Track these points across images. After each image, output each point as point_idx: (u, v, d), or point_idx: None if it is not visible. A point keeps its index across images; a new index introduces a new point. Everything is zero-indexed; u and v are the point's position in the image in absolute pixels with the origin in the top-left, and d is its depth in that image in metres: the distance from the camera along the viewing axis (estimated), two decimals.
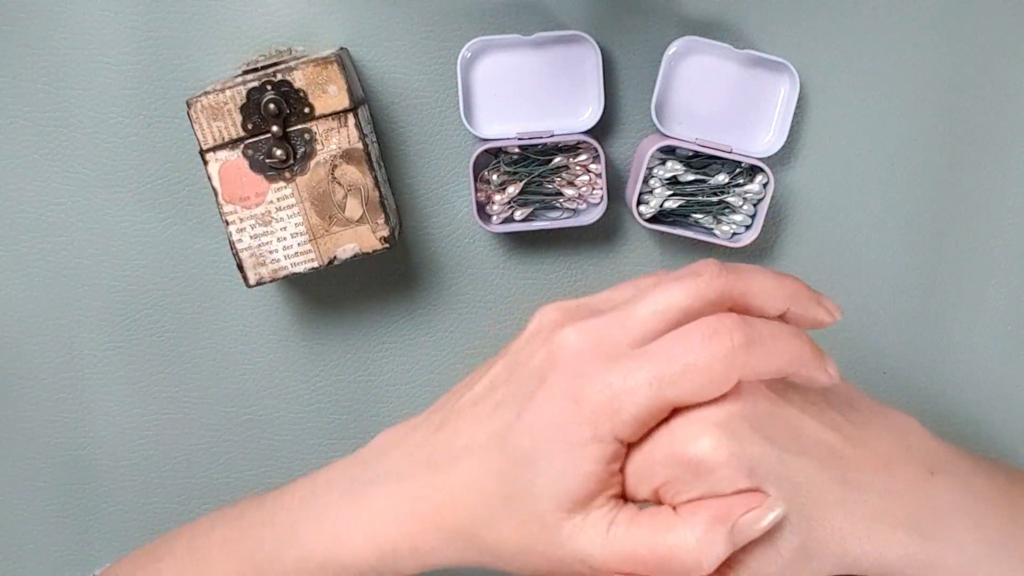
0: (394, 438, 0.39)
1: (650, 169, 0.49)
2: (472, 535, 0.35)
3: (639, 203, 0.49)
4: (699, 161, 0.49)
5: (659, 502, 0.34)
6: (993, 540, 0.38)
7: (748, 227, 0.50)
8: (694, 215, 0.50)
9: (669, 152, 0.49)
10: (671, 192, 0.49)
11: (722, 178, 0.49)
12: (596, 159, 0.49)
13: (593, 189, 0.50)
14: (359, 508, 0.38)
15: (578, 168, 0.50)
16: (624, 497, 0.34)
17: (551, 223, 0.50)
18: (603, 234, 0.52)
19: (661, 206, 0.49)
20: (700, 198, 0.49)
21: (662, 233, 0.52)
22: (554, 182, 0.50)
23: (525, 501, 0.34)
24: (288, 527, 0.40)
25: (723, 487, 0.32)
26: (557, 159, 0.50)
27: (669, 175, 0.49)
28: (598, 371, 0.33)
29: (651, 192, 0.49)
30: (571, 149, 0.50)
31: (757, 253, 0.53)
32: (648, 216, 0.50)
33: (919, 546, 0.36)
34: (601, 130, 0.50)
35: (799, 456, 0.34)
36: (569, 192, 0.50)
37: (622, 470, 0.34)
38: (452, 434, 0.37)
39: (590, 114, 0.49)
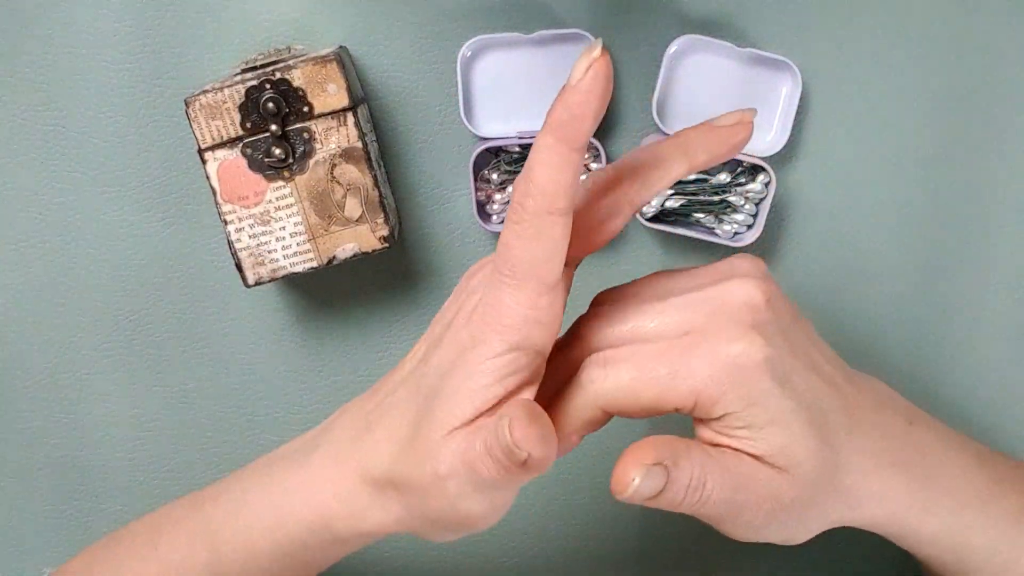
0: (344, 409, 0.40)
1: None
2: (391, 482, 0.35)
3: None
4: None
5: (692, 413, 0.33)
6: (980, 491, 0.38)
7: (750, 226, 0.50)
8: (696, 214, 0.50)
9: None
10: (672, 191, 0.49)
11: (724, 177, 0.49)
12: (597, 158, 0.49)
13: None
14: (302, 472, 0.38)
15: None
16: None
17: None
18: None
19: (662, 206, 0.49)
20: (702, 197, 0.49)
21: (663, 233, 0.51)
22: None
23: (422, 430, 0.33)
24: (239, 497, 0.40)
25: (750, 391, 0.32)
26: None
27: None
28: (495, 298, 0.32)
29: None
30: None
31: (759, 252, 0.52)
32: (649, 216, 0.49)
33: (919, 489, 0.36)
34: (601, 129, 0.50)
35: (816, 375, 0.34)
36: None
37: (530, 383, 0.33)
38: (383, 395, 0.37)
39: None
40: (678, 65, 0.49)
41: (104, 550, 0.45)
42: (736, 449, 0.33)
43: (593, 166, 0.49)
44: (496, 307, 0.32)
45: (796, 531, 0.35)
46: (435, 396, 0.33)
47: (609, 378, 0.33)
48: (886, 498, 0.36)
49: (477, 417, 0.32)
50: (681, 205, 0.49)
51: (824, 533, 0.36)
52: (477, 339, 0.32)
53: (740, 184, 0.49)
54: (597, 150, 0.49)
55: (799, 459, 0.33)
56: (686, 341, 0.33)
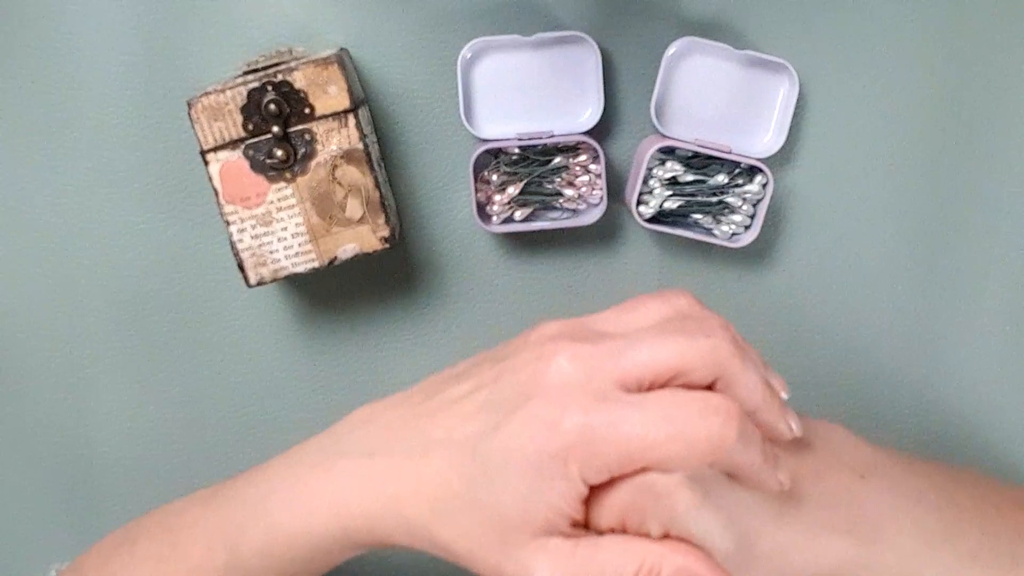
0: (370, 412, 0.39)
1: (650, 169, 0.49)
2: (427, 527, 0.35)
3: (639, 203, 0.49)
4: (699, 161, 0.49)
5: (623, 530, 0.34)
6: (935, 540, 0.38)
7: (747, 227, 0.50)
8: (694, 215, 0.50)
9: (669, 152, 0.49)
10: (671, 192, 0.49)
11: (721, 178, 0.49)
12: (596, 159, 0.49)
13: (593, 189, 0.50)
14: (327, 479, 0.38)
15: (578, 168, 0.50)
16: (585, 525, 0.35)
17: (551, 223, 0.50)
18: (603, 234, 0.53)
19: (661, 206, 0.50)
20: (700, 198, 0.50)
21: (662, 233, 0.52)
22: (554, 182, 0.50)
23: (490, 512, 0.34)
24: (258, 500, 0.40)
25: (669, 516, 0.33)
26: (557, 159, 0.50)
27: (669, 175, 0.49)
28: (582, 408, 0.33)
29: (651, 192, 0.49)
30: (571, 149, 0.50)
31: (756, 253, 0.53)
32: (648, 216, 0.50)
33: (856, 550, 0.37)
34: (601, 130, 0.51)
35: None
36: (569, 192, 0.50)
37: (586, 502, 0.34)
38: (429, 424, 0.37)
39: (590, 115, 0.50)
40: (676, 67, 0.49)
41: (119, 548, 0.44)
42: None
43: (592, 167, 0.50)
44: (598, 444, 0.33)
45: None
46: (499, 478, 0.34)
47: None
48: (822, 563, 0.36)
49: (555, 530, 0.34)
50: (679, 206, 0.50)
51: None
52: (562, 457, 0.33)
53: (738, 185, 0.49)
54: (596, 151, 0.49)
55: (716, 549, 0.34)
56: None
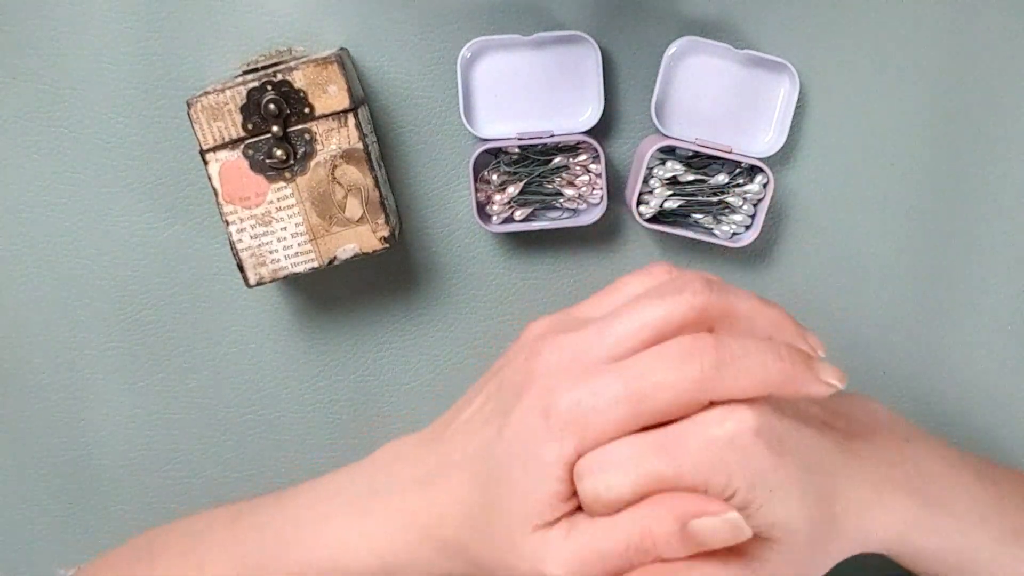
0: (398, 451, 0.40)
1: (650, 169, 0.49)
2: (461, 547, 0.36)
3: (639, 203, 0.49)
4: (699, 161, 0.49)
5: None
6: (985, 511, 0.38)
7: (748, 227, 0.50)
8: (694, 215, 0.50)
9: (669, 152, 0.49)
10: (671, 192, 0.49)
11: (722, 178, 0.49)
12: (596, 159, 0.49)
13: (593, 189, 0.50)
14: (363, 519, 0.39)
15: (578, 168, 0.50)
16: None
17: (551, 223, 0.50)
18: (603, 234, 0.53)
19: (661, 206, 0.49)
20: (700, 198, 0.50)
21: (662, 233, 0.52)
22: (554, 182, 0.50)
23: (500, 516, 0.34)
24: (290, 531, 0.40)
25: (752, 470, 0.32)
26: (557, 159, 0.50)
27: (669, 175, 0.49)
28: (569, 387, 0.33)
29: (651, 192, 0.49)
30: (571, 149, 0.50)
31: (757, 253, 0.53)
32: (648, 216, 0.50)
33: (921, 511, 0.36)
34: (601, 130, 0.51)
35: (805, 425, 0.34)
36: (569, 192, 0.50)
37: None
38: (448, 449, 0.38)
39: (590, 114, 0.49)
40: (677, 66, 0.49)
41: (136, 564, 0.44)
42: None
43: (592, 167, 0.50)
44: (590, 414, 0.33)
45: None
46: (505, 479, 0.34)
47: (612, 489, 0.32)
48: (889, 523, 0.36)
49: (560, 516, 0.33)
50: (680, 206, 0.50)
51: None
52: (557, 438, 0.33)
53: (738, 185, 0.49)
54: (596, 151, 0.49)
55: (794, 528, 0.33)
56: (675, 430, 0.32)
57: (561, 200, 0.50)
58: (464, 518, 0.36)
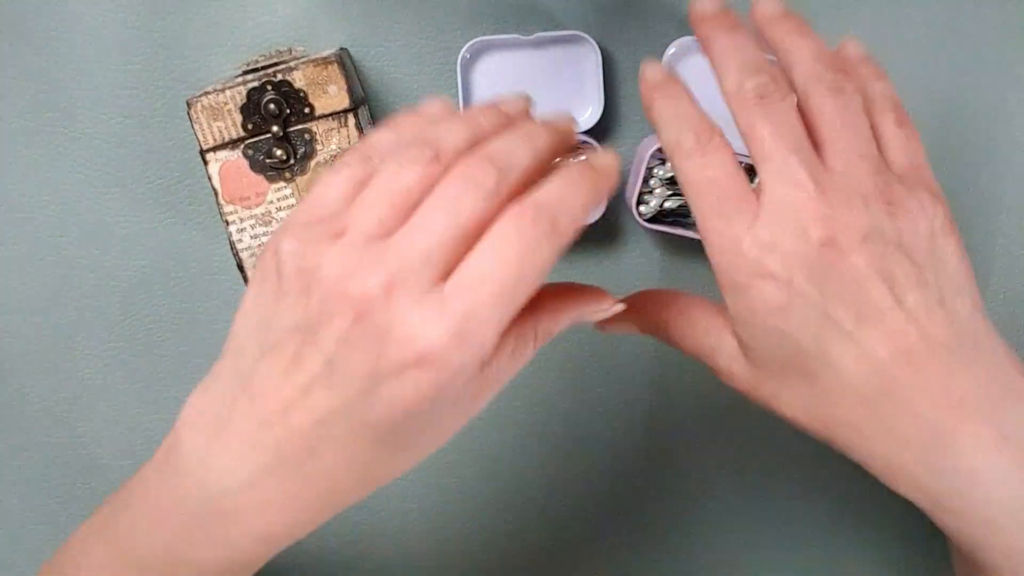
0: (207, 435, 0.34)
1: (650, 169, 0.49)
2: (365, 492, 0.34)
3: (639, 203, 0.49)
4: None
5: None
6: None
7: None
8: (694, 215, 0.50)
9: None
10: (671, 192, 0.49)
11: None
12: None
13: None
14: (227, 526, 0.34)
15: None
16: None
17: None
18: (603, 234, 0.53)
19: (661, 206, 0.49)
20: None
21: (662, 233, 0.52)
22: None
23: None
24: (159, 553, 0.36)
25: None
26: (557, 160, 0.50)
27: (669, 175, 0.49)
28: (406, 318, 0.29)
29: (651, 192, 0.49)
30: (571, 149, 0.50)
31: None
32: (648, 216, 0.50)
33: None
34: (601, 130, 0.50)
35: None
36: None
37: None
38: (291, 420, 0.32)
39: (590, 114, 0.49)
40: (677, 66, 0.49)
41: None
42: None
43: None
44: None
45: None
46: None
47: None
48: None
49: None
50: (679, 205, 0.50)
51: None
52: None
53: None
54: (595, 151, 0.49)
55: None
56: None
57: None
58: (359, 478, 0.33)
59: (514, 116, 0.35)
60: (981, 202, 0.52)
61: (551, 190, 0.32)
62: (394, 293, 0.29)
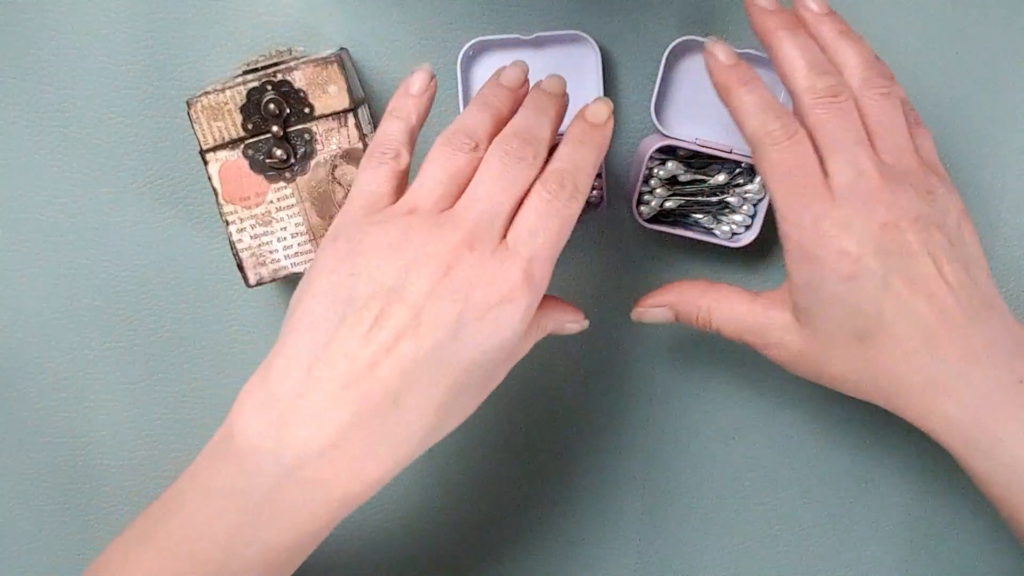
0: (278, 412, 0.37)
1: (650, 169, 0.49)
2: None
3: (639, 203, 0.49)
4: (699, 161, 0.49)
5: None
6: None
7: (748, 227, 0.50)
8: (694, 215, 0.50)
9: (669, 152, 0.49)
10: (671, 192, 0.49)
11: (722, 178, 0.49)
12: None
13: (592, 191, 0.50)
14: (305, 496, 0.37)
15: None
16: None
17: None
18: (603, 234, 0.53)
19: (661, 206, 0.49)
20: (700, 198, 0.50)
21: (662, 233, 0.52)
22: None
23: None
24: (228, 534, 0.38)
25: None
26: None
27: (669, 175, 0.49)
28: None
29: (651, 192, 0.49)
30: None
31: (757, 253, 0.53)
32: (648, 216, 0.50)
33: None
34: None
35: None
36: None
37: None
38: (377, 373, 0.36)
39: None
40: (677, 66, 0.49)
41: None
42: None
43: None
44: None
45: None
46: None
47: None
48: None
49: None
50: (679, 205, 0.50)
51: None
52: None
53: (738, 185, 0.49)
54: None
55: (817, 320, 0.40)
56: None
57: None
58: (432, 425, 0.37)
59: (518, 88, 0.42)
60: (981, 202, 0.52)
61: (565, 157, 0.39)
62: (474, 248, 0.37)
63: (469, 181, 0.39)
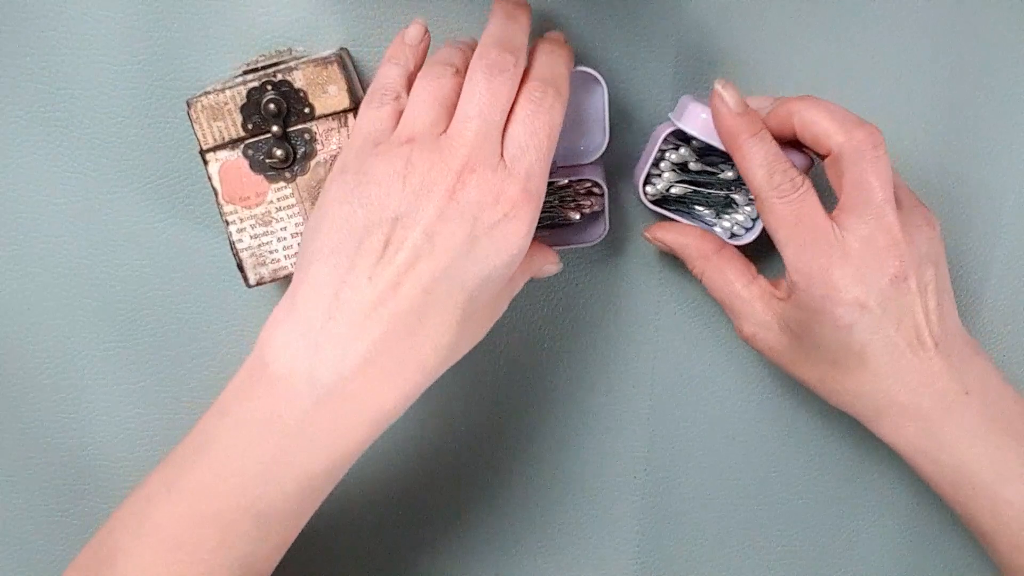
0: (311, 335, 0.39)
1: (663, 151, 0.48)
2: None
3: (646, 183, 0.49)
4: (710, 160, 0.49)
5: None
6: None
7: (748, 228, 0.50)
8: (697, 207, 0.50)
9: (684, 139, 0.49)
10: (679, 179, 0.49)
11: (731, 174, 0.49)
12: (598, 187, 0.49)
13: (592, 204, 0.49)
14: (342, 413, 0.38)
15: (582, 190, 0.49)
16: None
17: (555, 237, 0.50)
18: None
19: (668, 190, 0.49)
20: (706, 191, 0.49)
21: (661, 217, 0.51)
22: (557, 205, 0.49)
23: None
24: (268, 464, 0.39)
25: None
26: (562, 181, 0.49)
27: (681, 160, 0.48)
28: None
29: (660, 175, 0.49)
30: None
31: (756, 254, 0.52)
32: (654, 198, 0.49)
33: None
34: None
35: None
36: (574, 217, 0.49)
37: None
38: (401, 291, 0.38)
39: (596, 148, 0.49)
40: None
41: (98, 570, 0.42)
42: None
43: (595, 190, 0.49)
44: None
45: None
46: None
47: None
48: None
49: None
50: (685, 194, 0.49)
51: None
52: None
53: (744, 184, 0.49)
54: (600, 187, 0.49)
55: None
56: None
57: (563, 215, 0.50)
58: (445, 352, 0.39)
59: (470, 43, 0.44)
60: (982, 202, 0.52)
61: (542, 66, 0.42)
62: (475, 170, 0.38)
63: (456, 103, 0.40)
